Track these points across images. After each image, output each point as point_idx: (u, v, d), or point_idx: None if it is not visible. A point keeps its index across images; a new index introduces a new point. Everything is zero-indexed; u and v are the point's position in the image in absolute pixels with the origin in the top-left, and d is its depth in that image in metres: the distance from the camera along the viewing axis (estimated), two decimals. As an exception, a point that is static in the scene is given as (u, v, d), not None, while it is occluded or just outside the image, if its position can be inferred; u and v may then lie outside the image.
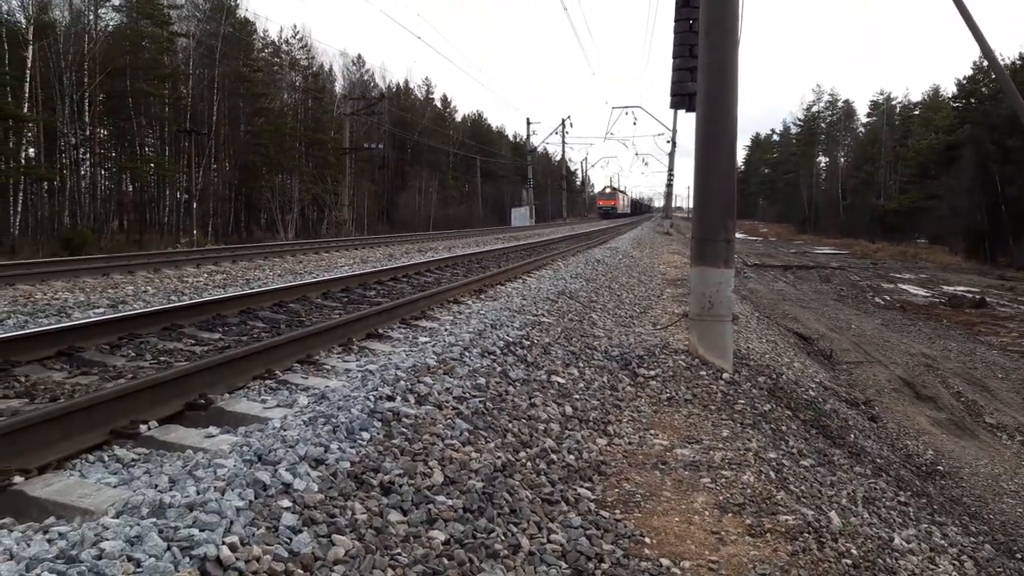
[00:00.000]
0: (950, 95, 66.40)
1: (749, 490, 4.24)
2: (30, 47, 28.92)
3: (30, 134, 31.62)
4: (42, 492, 3.05)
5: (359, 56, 65.40)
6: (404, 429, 3.92)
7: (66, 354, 5.39)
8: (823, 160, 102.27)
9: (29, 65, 28.91)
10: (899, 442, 10.14)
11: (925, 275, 37.45)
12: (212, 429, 3.96)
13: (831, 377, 12.63)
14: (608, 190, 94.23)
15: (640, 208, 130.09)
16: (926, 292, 30.13)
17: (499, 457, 3.98)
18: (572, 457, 4.47)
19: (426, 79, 79.32)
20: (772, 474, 4.69)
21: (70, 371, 5.14)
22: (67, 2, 34.85)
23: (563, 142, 69.27)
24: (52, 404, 4.05)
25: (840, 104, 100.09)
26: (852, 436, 8.21)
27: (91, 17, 35.40)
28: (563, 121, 66.70)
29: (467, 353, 5.78)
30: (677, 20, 9.52)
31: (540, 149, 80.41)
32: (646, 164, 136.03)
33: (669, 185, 62.08)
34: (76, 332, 5.73)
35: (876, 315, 23.08)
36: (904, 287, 31.70)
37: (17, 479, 3.10)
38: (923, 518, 6.03)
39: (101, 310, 7.67)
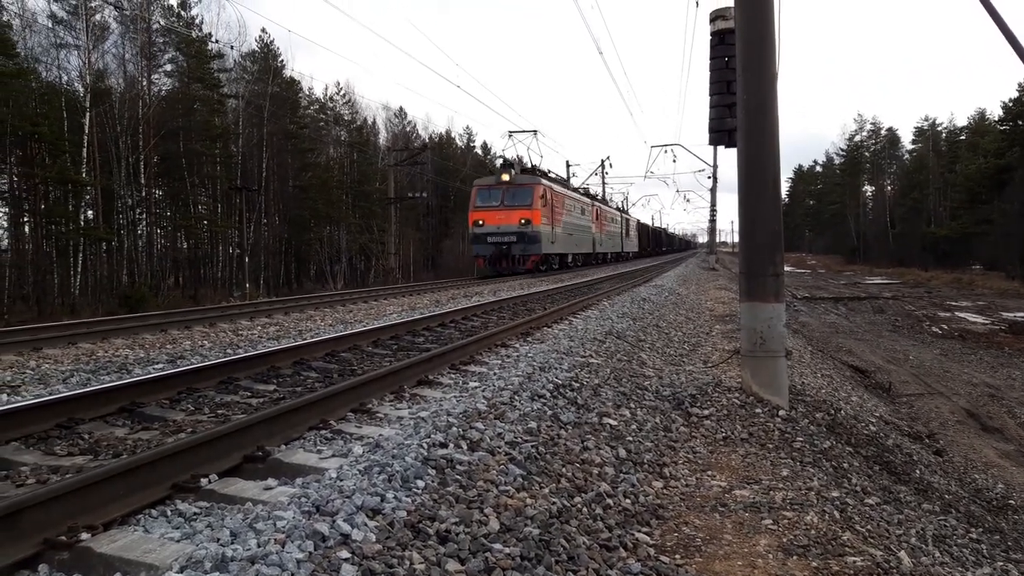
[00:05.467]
0: (996, 118, 65.23)
1: (813, 531, 4.12)
2: (87, 114, 30.27)
3: (88, 197, 32.93)
4: (108, 548, 3.10)
5: (401, 108, 66.79)
6: (458, 476, 3.92)
7: (128, 410, 5.52)
8: (869, 189, 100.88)
9: (87, 131, 30.24)
10: (967, 476, 9.77)
11: (983, 302, 36.40)
12: (270, 481, 3.99)
13: (891, 411, 12.27)
14: (509, 176, 30.07)
15: (672, 243, 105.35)
16: (985, 320, 29.23)
17: (554, 503, 3.95)
18: (628, 501, 4.40)
19: (467, 127, 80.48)
20: (836, 514, 4.56)
21: (132, 427, 5.25)
22: (122, 69, 36.48)
23: (603, 182, 69.01)
24: (115, 460, 4.14)
25: (884, 132, 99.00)
26: (917, 471, 7.94)
27: (144, 83, 36.96)
28: (602, 162, 66.44)
29: (517, 397, 5.78)
30: (713, 58, 9.59)
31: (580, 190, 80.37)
32: (688, 200, 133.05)
33: (712, 220, 61.56)
34: (137, 388, 5.86)
35: (934, 345, 22.44)
36: (961, 315, 30.81)
37: (84, 536, 3.17)
38: (997, 555, 5.78)
39: (160, 365, 7.85)
